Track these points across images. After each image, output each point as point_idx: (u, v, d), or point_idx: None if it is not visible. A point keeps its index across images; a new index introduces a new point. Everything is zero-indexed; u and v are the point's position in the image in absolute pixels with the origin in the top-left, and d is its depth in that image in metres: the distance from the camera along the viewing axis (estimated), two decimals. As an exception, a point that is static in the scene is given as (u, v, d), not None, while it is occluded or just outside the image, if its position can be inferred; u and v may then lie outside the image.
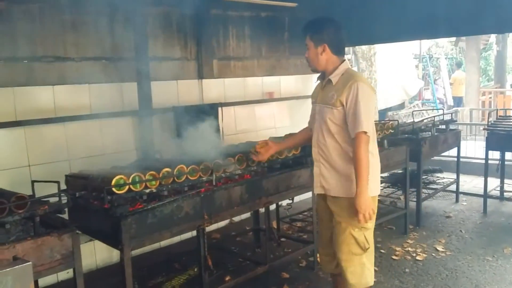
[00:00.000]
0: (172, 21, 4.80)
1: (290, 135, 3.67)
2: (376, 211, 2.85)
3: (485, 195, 5.71)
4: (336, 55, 2.88)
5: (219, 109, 5.01)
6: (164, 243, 4.57)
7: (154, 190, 2.90)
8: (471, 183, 7.08)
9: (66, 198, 2.67)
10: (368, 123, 2.72)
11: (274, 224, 4.64)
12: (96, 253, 4.17)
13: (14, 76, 3.68)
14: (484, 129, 6.91)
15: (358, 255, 2.85)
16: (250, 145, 3.61)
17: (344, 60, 2.91)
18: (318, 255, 3.23)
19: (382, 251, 4.55)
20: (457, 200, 6.17)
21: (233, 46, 5.46)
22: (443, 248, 4.59)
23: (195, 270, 3.69)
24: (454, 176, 6.22)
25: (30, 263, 0.81)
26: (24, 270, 0.79)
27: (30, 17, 3.73)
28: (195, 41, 5.02)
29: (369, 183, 2.73)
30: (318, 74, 3.06)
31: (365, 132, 2.71)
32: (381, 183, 6.17)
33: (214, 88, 5.19)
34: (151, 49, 4.44)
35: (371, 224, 2.86)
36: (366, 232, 2.86)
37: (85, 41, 4.06)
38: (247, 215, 5.16)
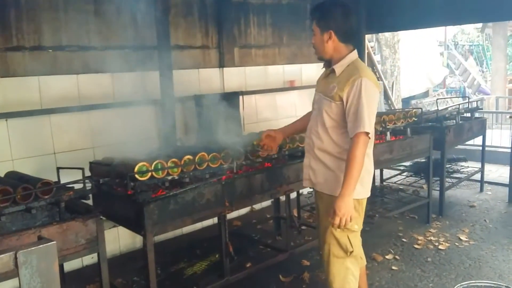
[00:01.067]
0: (194, 10, 4.81)
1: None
2: (363, 215, 2.70)
3: (511, 185, 5.61)
4: (344, 43, 2.63)
5: (240, 97, 5.02)
6: (186, 229, 4.64)
7: (176, 177, 2.94)
8: (496, 172, 6.96)
9: (90, 184, 2.73)
10: (370, 124, 2.50)
11: (295, 212, 4.66)
12: (119, 239, 4.25)
13: (39, 65, 3.74)
14: (510, 117, 6.79)
15: (341, 258, 2.65)
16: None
17: (353, 49, 2.67)
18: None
19: (404, 240, 4.52)
20: (481, 190, 6.07)
21: (254, 34, 5.44)
22: (466, 238, 4.53)
23: (217, 256, 3.74)
24: (478, 165, 6.11)
25: (54, 242, 0.83)
26: (48, 249, 0.81)
27: (55, 7, 3.79)
28: (217, 29, 5.02)
29: (358, 185, 2.52)
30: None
31: (367, 133, 2.48)
32: (403, 171, 6.24)
33: (235, 77, 5.20)
34: (173, 38, 4.47)
35: (357, 227, 2.65)
36: (350, 234, 2.63)
37: (108, 30, 4.10)
38: (267, 203, 5.19)
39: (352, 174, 2.45)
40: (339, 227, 2.48)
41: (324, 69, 2.82)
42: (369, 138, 2.51)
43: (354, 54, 2.66)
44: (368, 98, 2.49)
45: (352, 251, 2.63)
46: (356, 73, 2.54)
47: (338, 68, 2.62)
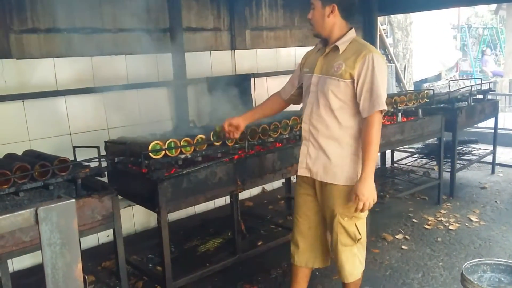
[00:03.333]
0: (205, -8, 4.83)
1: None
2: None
3: (523, 167, 5.60)
4: (345, 20, 2.51)
5: (252, 79, 5.04)
6: (199, 209, 4.73)
7: (189, 156, 2.99)
8: (508, 154, 6.94)
9: (106, 162, 2.80)
10: (385, 101, 2.40)
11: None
12: (134, 218, 4.34)
13: (54, 47, 3.81)
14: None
15: (349, 245, 2.57)
16: (281, 114, 3.63)
17: (352, 27, 2.54)
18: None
19: (415, 220, 4.56)
20: (493, 172, 6.06)
21: (266, 16, 5.45)
22: (477, 219, 4.55)
23: (229, 234, 3.81)
24: (490, 147, 6.10)
25: (73, 200, 0.87)
26: (68, 206, 0.86)
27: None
28: (228, 11, 5.03)
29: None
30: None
31: (382, 111, 2.39)
32: (414, 153, 6.24)
33: (246, 59, 5.22)
34: (185, 20, 4.50)
35: (364, 214, 2.56)
36: (357, 221, 2.55)
37: (121, 13, 4.14)
38: (279, 184, 5.25)
39: (371, 155, 2.38)
40: (362, 211, 2.43)
41: (313, 49, 2.71)
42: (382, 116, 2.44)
43: (354, 31, 2.54)
44: (381, 74, 2.39)
45: (360, 238, 2.57)
46: (365, 48, 2.43)
47: (342, 45, 2.48)
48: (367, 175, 2.38)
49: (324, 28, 2.52)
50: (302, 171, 2.66)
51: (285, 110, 3.06)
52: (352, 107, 2.46)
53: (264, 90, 5.30)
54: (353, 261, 2.61)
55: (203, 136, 3.07)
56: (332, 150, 2.51)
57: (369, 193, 2.38)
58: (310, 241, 2.75)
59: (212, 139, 3.10)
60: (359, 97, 2.41)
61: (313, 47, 2.75)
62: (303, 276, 2.84)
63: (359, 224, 2.57)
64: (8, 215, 0.78)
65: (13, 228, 0.79)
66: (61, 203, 0.84)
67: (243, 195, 4.99)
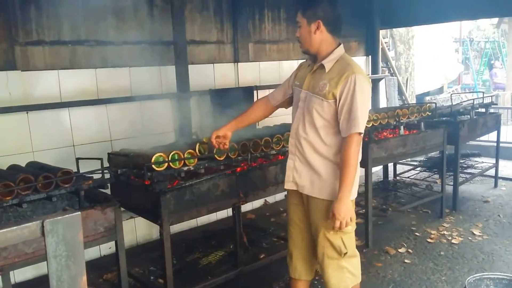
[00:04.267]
0: (209, 5, 4.87)
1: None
2: (354, 215, 2.58)
3: (526, 180, 5.58)
4: (332, 35, 2.50)
5: (255, 92, 5.06)
6: (201, 221, 4.73)
7: (192, 168, 3.00)
8: (511, 168, 6.91)
9: (109, 174, 2.81)
10: (364, 123, 2.42)
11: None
12: (136, 230, 4.34)
13: (58, 59, 3.84)
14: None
15: (335, 259, 2.56)
16: (284, 127, 3.65)
17: (340, 43, 2.54)
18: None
19: (417, 234, 4.54)
20: (495, 185, 6.04)
21: (269, 29, 5.49)
22: (480, 232, 4.53)
23: (231, 247, 3.80)
24: (493, 161, 6.08)
25: (79, 213, 0.89)
26: (73, 219, 0.87)
27: (73, 2, 3.87)
28: (232, 24, 5.07)
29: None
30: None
31: (360, 133, 2.41)
32: (417, 167, 6.24)
33: (249, 72, 5.25)
34: (188, 33, 4.53)
35: (350, 228, 2.54)
36: (344, 236, 2.53)
37: (126, 25, 4.18)
38: (281, 196, 5.23)
39: (348, 176, 2.39)
40: (339, 229, 2.43)
41: (305, 62, 2.71)
42: (361, 138, 2.45)
43: (341, 48, 2.53)
44: (362, 95, 2.40)
45: (346, 253, 2.55)
46: (349, 69, 2.43)
47: (328, 63, 2.49)
48: (344, 195, 2.39)
49: (312, 45, 2.53)
50: (288, 185, 2.68)
51: (288, 122, 3.04)
52: (334, 126, 2.48)
53: (266, 102, 5.31)
54: (340, 273, 2.58)
55: (206, 147, 3.08)
56: (318, 165, 2.53)
57: (345, 213, 2.39)
58: (304, 252, 2.74)
59: (198, 152, 3.03)
60: (339, 116, 2.44)
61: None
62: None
63: (346, 238, 2.55)
64: (15, 227, 0.78)
65: (20, 240, 0.79)
66: (67, 215, 0.84)
67: (245, 207, 4.98)
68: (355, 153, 2.41)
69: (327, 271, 2.58)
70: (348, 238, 2.56)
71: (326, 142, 2.50)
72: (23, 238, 0.79)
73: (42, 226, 0.82)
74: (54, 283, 0.83)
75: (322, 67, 2.52)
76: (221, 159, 3.12)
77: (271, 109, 2.91)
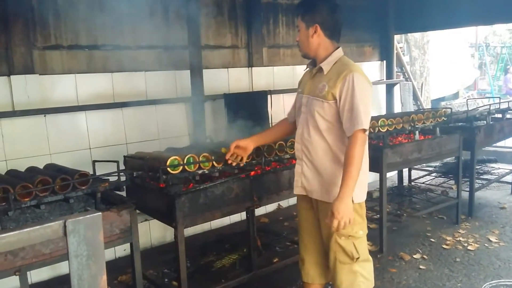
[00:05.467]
0: (224, 10, 4.90)
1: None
2: (365, 219, 2.59)
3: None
4: (330, 39, 2.54)
5: (268, 96, 5.08)
6: (214, 225, 4.74)
7: (206, 172, 3.01)
8: (529, 174, 6.81)
9: (125, 176, 2.83)
10: (367, 120, 2.39)
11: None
12: (151, 233, 4.37)
13: (76, 63, 3.90)
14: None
15: (347, 264, 2.54)
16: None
17: (338, 47, 2.57)
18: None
19: (432, 240, 4.50)
20: (512, 192, 5.97)
21: (283, 34, 5.50)
22: (496, 239, 4.48)
23: (245, 250, 3.80)
24: (510, 167, 6.03)
25: (100, 213, 0.90)
26: (94, 220, 0.88)
27: (91, 7, 3.92)
28: (246, 29, 5.10)
29: (358, 188, 2.42)
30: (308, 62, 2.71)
31: (364, 130, 2.38)
32: (432, 172, 6.19)
33: (263, 76, 5.27)
34: (203, 38, 4.58)
35: (362, 232, 2.54)
36: (356, 241, 2.52)
37: (141, 30, 4.23)
38: (294, 200, 5.21)
39: (351, 175, 2.35)
40: (337, 230, 2.39)
41: (307, 70, 2.74)
42: (366, 135, 2.42)
43: (340, 51, 2.56)
44: (362, 93, 2.39)
45: (359, 257, 2.52)
46: (346, 68, 2.45)
47: (326, 65, 2.52)
48: (345, 194, 2.34)
49: (310, 48, 2.57)
50: (297, 190, 2.69)
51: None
52: (339, 128, 2.47)
53: (280, 107, 5.33)
54: (353, 278, 2.56)
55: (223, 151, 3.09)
56: (325, 169, 2.53)
57: (344, 212, 2.33)
58: (315, 256, 2.73)
59: (212, 161, 3.02)
60: (341, 117, 2.44)
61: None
62: None
63: (358, 243, 2.53)
64: (37, 227, 0.80)
65: (42, 239, 0.81)
66: (88, 216, 0.86)
67: (259, 211, 4.98)
68: (360, 152, 2.38)
69: (340, 276, 2.56)
70: (360, 243, 2.54)
71: (332, 145, 2.50)
72: (45, 237, 0.81)
73: (64, 226, 0.84)
74: (75, 282, 0.85)
75: (320, 69, 2.54)
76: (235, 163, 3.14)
77: (290, 126, 2.92)
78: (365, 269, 2.59)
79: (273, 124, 4.96)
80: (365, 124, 2.37)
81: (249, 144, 2.86)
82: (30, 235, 0.78)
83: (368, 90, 2.46)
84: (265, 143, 3.07)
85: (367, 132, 2.42)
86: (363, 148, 2.40)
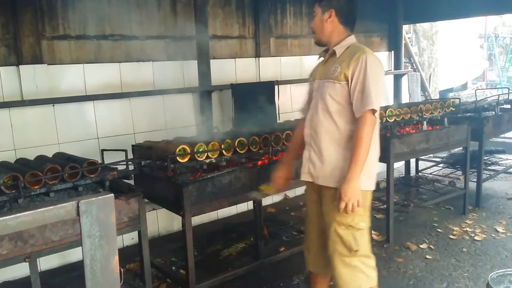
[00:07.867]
0: (232, 0, 4.89)
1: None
2: (368, 211, 2.55)
3: (552, 178, 5.47)
4: (343, 26, 2.56)
5: (275, 87, 5.07)
6: (221, 214, 4.77)
7: (214, 161, 3.03)
8: (537, 166, 6.78)
9: (133, 165, 2.86)
10: (378, 101, 2.37)
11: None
12: (158, 221, 4.40)
13: (84, 53, 3.92)
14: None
15: (346, 256, 2.49)
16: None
17: (351, 34, 2.60)
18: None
19: (439, 230, 4.50)
20: (520, 183, 5.95)
21: (290, 24, 5.49)
22: (503, 230, 4.47)
23: (252, 239, 3.83)
24: (518, 158, 5.99)
25: (112, 194, 0.92)
26: (107, 200, 0.90)
27: (99, -3, 3.94)
28: (253, 20, 5.09)
29: (363, 176, 2.38)
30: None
31: (374, 112, 2.35)
32: (439, 163, 6.17)
33: (270, 66, 5.26)
34: (211, 28, 4.57)
35: (363, 224, 2.48)
36: (355, 232, 2.46)
37: (149, 20, 4.23)
38: (301, 190, 5.23)
39: (359, 156, 2.32)
40: (346, 212, 2.36)
41: (319, 60, 2.73)
42: (375, 117, 2.39)
43: (353, 38, 2.59)
44: (374, 74, 2.39)
45: (357, 250, 2.47)
46: (360, 50, 2.46)
47: (339, 49, 2.54)
48: (352, 176, 2.33)
49: (323, 33, 2.59)
50: (304, 176, 2.68)
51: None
52: (349, 110, 2.45)
53: (287, 97, 5.33)
54: (352, 272, 2.51)
55: (230, 141, 3.11)
56: (332, 154, 2.50)
57: (351, 194, 2.32)
58: (320, 248, 2.71)
59: (221, 150, 3.06)
60: (352, 98, 2.42)
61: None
62: (322, 282, 2.86)
63: (358, 235, 2.48)
64: (51, 207, 0.82)
65: (56, 220, 0.83)
66: (100, 197, 0.88)
67: (265, 201, 5.00)
68: (368, 133, 2.35)
69: (337, 268, 2.52)
70: (360, 235, 2.49)
71: (341, 128, 2.47)
72: (59, 217, 0.83)
73: (77, 207, 0.85)
74: (88, 262, 0.87)
75: (333, 53, 2.56)
76: (243, 152, 3.16)
77: None
78: (365, 266, 2.54)
79: (280, 114, 4.99)
80: (376, 105, 2.35)
81: (285, 172, 2.88)
82: (44, 215, 0.80)
83: (381, 72, 2.47)
84: (297, 156, 2.91)
85: (377, 114, 2.40)
86: (372, 130, 2.38)
